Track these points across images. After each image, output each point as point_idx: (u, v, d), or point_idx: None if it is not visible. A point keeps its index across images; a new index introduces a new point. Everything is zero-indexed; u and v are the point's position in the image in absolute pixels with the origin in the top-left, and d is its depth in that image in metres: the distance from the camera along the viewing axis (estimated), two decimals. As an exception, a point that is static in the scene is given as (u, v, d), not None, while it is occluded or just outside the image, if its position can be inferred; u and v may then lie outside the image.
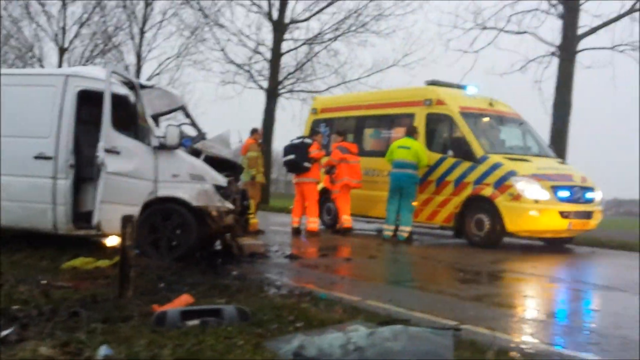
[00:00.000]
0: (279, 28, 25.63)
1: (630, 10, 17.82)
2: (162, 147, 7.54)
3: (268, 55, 25.94)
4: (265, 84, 26.06)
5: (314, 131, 13.29)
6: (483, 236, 10.94)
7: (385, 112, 13.24)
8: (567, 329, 5.24)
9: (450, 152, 11.58)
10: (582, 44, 18.34)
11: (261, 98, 26.29)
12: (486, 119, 12.35)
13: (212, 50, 26.55)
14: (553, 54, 18.55)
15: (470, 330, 4.69)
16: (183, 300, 4.96)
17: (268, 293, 5.80)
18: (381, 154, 12.25)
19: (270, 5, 25.69)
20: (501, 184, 10.78)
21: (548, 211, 10.64)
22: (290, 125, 27.32)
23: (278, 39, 25.72)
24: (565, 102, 17.89)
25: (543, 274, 8.58)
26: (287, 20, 25.86)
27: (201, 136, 8.99)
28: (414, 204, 11.74)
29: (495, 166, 10.97)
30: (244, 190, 9.11)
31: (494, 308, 5.88)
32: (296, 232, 12.19)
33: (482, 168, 11.09)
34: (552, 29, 18.65)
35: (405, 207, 11.45)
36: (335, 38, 25.57)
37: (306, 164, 11.99)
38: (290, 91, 26.81)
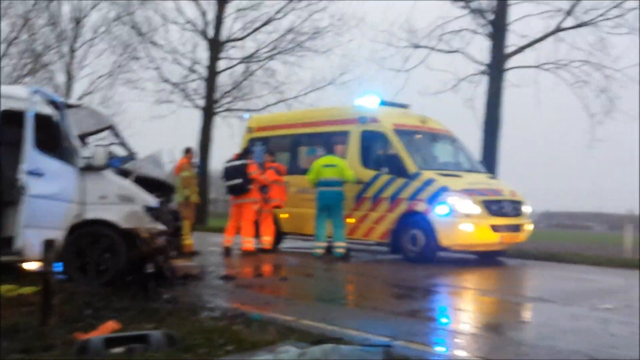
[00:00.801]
0: (215, 47, 25.44)
1: (555, 31, 18.54)
2: (89, 168, 7.31)
3: (204, 73, 25.70)
4: (201, 103, 25.78)
5: (247, 151, 13.10)
6: (418, 251, 11.04)
7: (321, 130, 13.24)
8: (498, 341, 5.31)
9: (384, 169, 11.67)
10: (510, 63, 18.96)
11: (198, 117, 25.99)
12: (419, 136, 12.51)
13: (146, 68, 26.09)
14: (483, 72, 19.07)
15: (403, 346, 4.69)
16: (108, 327, 4.80)
17: (200, 316, 5.66)
18: None
19: (205, 24, 25.51)
20: (434, 199, 10.92)
21: (480, 225, 10.85)
22: (228, 144, 27.00)
23: (214, 57, 25.51)
24: (495, 119, 18.38)
25: (475, 287, 8.74)
26: (223, 38, 25.72)
27: (131, 156, 8.78)
28: (350, 220, 11.81)
29: (428, 182, 11.13)
30: (176, 211, 8.93)
31: (428, 322, 5.93)
32: (228, 251, 12.04)
33: (415, 184, 11.23)
34: (482, 48, 19.13)
35: (337, 224, 11.52)
36: (272, 57, 25.57)
37: (249, 187, 12.00)
38: (228, 110, 26.60)
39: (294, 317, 5.79)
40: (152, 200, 7.64)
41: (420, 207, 11.07)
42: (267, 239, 12.40)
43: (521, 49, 18.75)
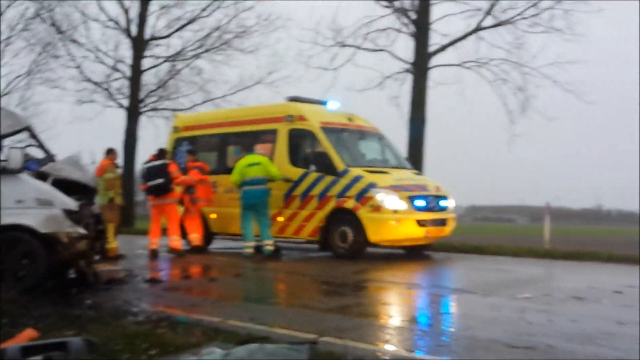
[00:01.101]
0: (139, 45, 24.87)
1: (475, 30, 19.13)
2: (4, 172, 7.01)
3: (128, 72, 25.08)
4: (125, 103, 25.16)
5: (164, 151, 12.75)
6: (347, 248, 11.15)
7: (248, 129, 13.16)
8: (422, 333, 5.43)
9: (312, 167, 11.71)
10: (433, 61, 19.42)
11: (122, 117, 25.33)
12: (346, 134, 12.58)
13: (66, 67, 25.21)
14: (407, 70, 19.46)
15: (329, 342, 4.73)
16: (26, 335, 4.63)
17: (123, 321, 5.53)
18: None
19: (128, 22, 24.90)
20: (362, 196, 11.04)
21: (406, 220, 11.02)
22: (154, 145, 26.40)
23: (138, 56, 24.93)
24: (420, 116, 18.79)
25: (402, 281, 8.90)
26: (147, 36, 25.16)
27: (49, 158, 8.48)
28: (280, 219, 11.83)
29: (356, 179, 11.21)
30: (98, 214, 8.68)
31: (355, 318, 5.99)
32: (154, 254, 11.84)
33: (343, 181, 11.30)
34: (407, 47, 19.52)
35: (263, 222, 11.53)
36: (198, 55, 25.23)
37: (171, 186, 11.91)
38: (153, 109, 26.07)
39: (221, 318, 5.74)
40: (72, 204, 7.40)
41: (349, 204, 11.16)
42: (196, 236, 12.33)
43: (443, 48, 19.25)
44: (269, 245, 11.48)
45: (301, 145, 12.35)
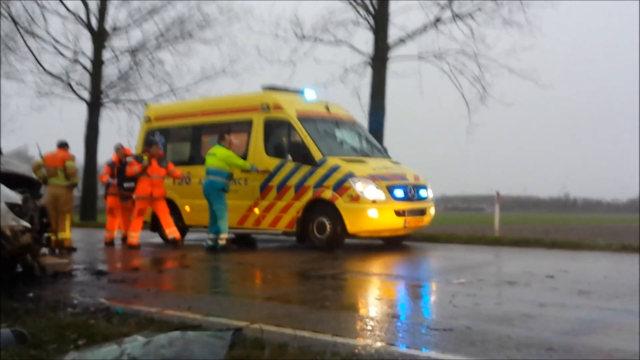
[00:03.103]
0: (99, 37, 24.73)
1: (434, 23, 19.41)
2: (-56, 166, 7.00)
3: (88, 65, 24.86)
4: (86, 95, 24.96)
5: (149, 141, 12.72)
6: (325, 239, 11.03)
7: (223, 119, 12.93)
8: (350, 318, 5.60)
9: (289, 157, 11.56)
10: (392, 54, 19.67)
11: (84, 110, 25.12)
12: (323, 123, 12.38)
13: (24, 60, 24.89)
14: (367, 63, 19.68)
15: (258, 329, 4.86)
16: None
17: (60, 313, 5.60)
18: None
19: (88, 14, 24.68)
20: (340, 185, 10.91)
21: (385, 210, 10.87)
22: (117, 137, 26.30)
23: (98, 48, 24.79)
24: (380, 107, 19.07)
25: (345, 269, 9.03)
26: (107, 28, 24.98)
27: (-5, 152, 8.46)
28: (256, 210, 11.79)
29: (334, 169, 11.07)
30: (43, 206, 8.69)
31: (290, 305, 6.14)
32: (110, 246, 11.97)
33: (321, 171, 11.16)
34: (367, 40, 19.78)
35: (213, 215, 11.35)
36: (159, 46, 25.12)
37: (126, 185, 12.17)
38: (115, 101, 25.92)
39: (159, 308, 5.85)
40: (15, 197, 7.42)
41: (327, 194, 11.02)
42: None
43: (402, 41, 19.57)
44: (222, 239, 11.31)
45: (277, 135, 12.16)
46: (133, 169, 11.92)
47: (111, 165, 12.74)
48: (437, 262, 9.78)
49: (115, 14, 25.13)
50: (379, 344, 4.35)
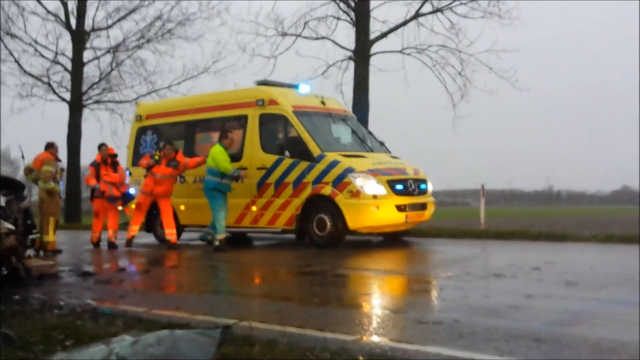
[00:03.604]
0: (79, 37, 24.50)
1: (415, 16, 19.44)
2: None
3: (69, 65, 24.65)
4: (67, 96, 24.74)
5: (164, 142, 12.43)
6: (326, 236, 10.79)
7: (216, 115, 12.66)
8: (336, 314, 5.60)
9: (287, 153, 11.27)
10: (375, 48, 19.67)
11: (65, 111, 24.90)
12: (319, 117, 12.08)
13: (4, 61, 24.61)
14: (350, 58, 19.66)
15: (248, 326, 4.85)
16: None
17: (46, 315, 5.55)
18: None
19: (67, 14, 24.44)
20: (340, 181, 10.64)
21: (386, 206, 10.60)
22: (99, 138, 26.14)
23: (78, 48, 24.57)
24: (363, 102, 19.04)
25: (335, 266, 9.03)
26: (87, 28, 24.77)
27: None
28: (253, 208, 11.55)
29: (333, 164, 10.80)
30: (28, 208, 8.61)
31: (279, 302, 6.13)
32: (96, 247, 12.01)
33: (319, 167, 10.88)
34: (348, 34, 19.75)
35: (212, 215, 11.08)
36: (140, 46, 24.96)
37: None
38: (97, 102, 25.74)
39: (147, 307, 5.82)
40: (-2, 200, 7.34)
41: (326, 190, 10.75)
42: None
43: (384, 35, 19.54)
44: (216, 239, 11.00)
45: (273, 131, 11.87)
46: (143, 162, 12.06)
47: (95, 165, 12.64)
48: (424, 257, 9.81)
49: (95, 14, 24.90)
50: (367, 339, 4.36)
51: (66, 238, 15.21)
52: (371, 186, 10.56)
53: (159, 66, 25.52)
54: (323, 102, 12.43)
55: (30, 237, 8.37)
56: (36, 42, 24.25)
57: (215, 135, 12.35)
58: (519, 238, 11.84)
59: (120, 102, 25.77)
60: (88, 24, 24.72)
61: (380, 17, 19.99)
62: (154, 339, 4.02)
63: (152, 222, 12.92)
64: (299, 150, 11.12)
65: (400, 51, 19.49)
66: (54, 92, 24.82)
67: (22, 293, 6.80)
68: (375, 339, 4.38)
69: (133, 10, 24.45)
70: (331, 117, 12.43)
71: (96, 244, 12.52)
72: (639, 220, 15.50)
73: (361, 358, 3.79)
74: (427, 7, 19.24)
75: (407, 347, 4.07)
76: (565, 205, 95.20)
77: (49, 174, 11.51)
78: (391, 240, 11.88)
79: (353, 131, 12.65)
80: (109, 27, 24.78)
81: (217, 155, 10.92)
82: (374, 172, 10.75)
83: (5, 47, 24.20)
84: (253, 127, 11.79)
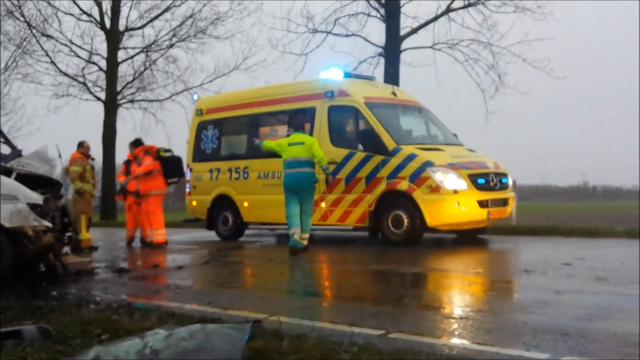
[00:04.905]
0: (113, 37, 24.94)
1: (446, 11, 19.33)
2: (-33, 169, 7.16)
3: (103, 65, 25.13)
4: (102, 95, 25.23)
5: (135, 142, 12.59)
6: (402, 234, 10.27)
7: (282, 108, 12.23)
8: (361, 308, 5.67)
9: (360, 147, 10.79)
10: (405, 44, 19.63)
11: (101, 110, 25.39)
12: (392, 109, 11.59)
13: (40, 62, 25.21)
14: (380, 54, 19.66)
15: (277, 320, 4.94)
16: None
17: (83, 310, 5.73)
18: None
19: (102, 14, 24.90)
20: (417, 176, 10.10)
21: (467, 201, 10.07)
22: (133, 136, 26.58)
23: (113, 47, 25.01)
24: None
25: (381, 264, 9.11)
26: (121, 28, 25.20)
27: (16, 154, 8.61)
28: (322, 205, 11.10)
29: (409, 158, 10.28)
30: (65, 206, 8.85)
31: (308, 298, 6.23)
32: (130, 244, 12.38)
33: (395, 161, 10.37)
34: (379, 31, 19.74)
35: (305, 212, 10.03)
36: (172, 45, 25.30)
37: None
38: (131, 101, 26.18)
39: (180, 303, 5.97)
40: (36, 197, 7.57)
41: (403, 185, 10.22)
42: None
43: (414, 31, 19.49)
44: (305, 238, 10.06)
45: (343, 124, 11.43)
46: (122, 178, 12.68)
47: (126, 163, 12.93)
48: (455, 253, 9.78)
49: (129, 14, 25.33)
50: (394, 334, 4.41)
51: (102, 235, 15.55)
52: (451, 181, 10.01)
53: (190, 65, 25.78)
54: (394, 93, 11.96)
55: (67, 234, 8.58)
56: (71, 42, 24.79)
57: (281, 129, 12.13)
58: (551, 234, 11.73)
59: (153, 100, 26.19)
60: (122, 23, 25.17)
61: (411, 13, 19.75)
62: (187, 333, 4.15)
63: (214, 220, 13.03)
64: (373, 144, 10.61)
65: (431, 47, 19.43)
66: (89, 92, 25.34)
67: (59, 289, 7.02)
68: (400, 333, 4.41)
69: (166, 10, 24.80)
70: (403, 109, 11.91)
71: (129, 242, 12.74)
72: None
73: (387, 352, 3.85)
74: (458, 2, 19.14)
75: (434, 342, 4.12)
76: (600, 200, 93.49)
77: (75, 173, 11.77)
78: (465, 238, 11.38)
79: (426, 123, 12.09)
80: (142, 26, 25.16)
81: (315, 143, 10.05)
82: (454, 166, 10.21)
83: (42, 47, 24.79)
84: (321, 119, 11.31)
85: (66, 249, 8.86)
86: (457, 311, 5.12)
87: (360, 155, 10.76)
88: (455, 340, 4.13)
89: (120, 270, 8.61)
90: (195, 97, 14.53)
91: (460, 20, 19.20)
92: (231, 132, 13.18)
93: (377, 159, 10.54)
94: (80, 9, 24.62)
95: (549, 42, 19.13)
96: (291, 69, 20.65)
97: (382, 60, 19.60)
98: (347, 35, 19.85)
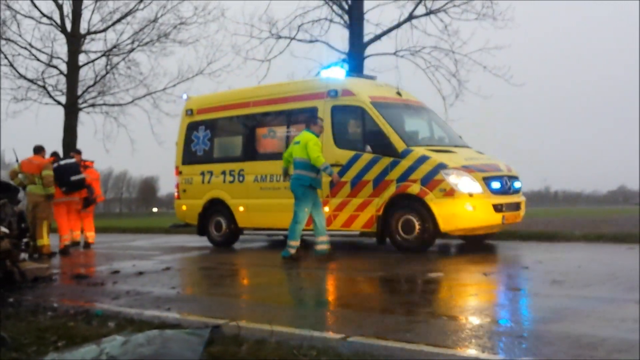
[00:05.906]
0: (74, 40, 24.56)
1: (408, 18, 19.55)
2: None
3: (64, 68, 24.72)
4: (63, 99, 24.81)
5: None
6: (413, 239, 9.87)
7: (281, 108, 11.72)
8: (307, 311, 5.70)
9: (368, 148, 10.33)
10: (368, 51, 19.77)
11: (61, 114, 24.95)
12: (398, 110, 11.19)
13: (-1, 65, 24.66)
14: (344, 60, 19.73)
15: (236, 325, 4.92)
16: None
17: (40, 317, 5.63)
18: (278, 155, 10.87)
19: (62, 17, 24.50)
20: (430, 179, 9.68)
21: (482, 205, 9.68)
22: (94, 141, 26.21)
23: (74, 51, 24.62)
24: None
25: (342, 267, 9.12)
26: (82, 31, 24.85)
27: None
28: (325, 209, 10.45)
29: (421, 160, 9.87)
30: (22, 212, 8.68)
31: (268, 303, 6.21)
32: (66, 250, 12.36)
33: (405, 163, 9.95)
34: (342, 37, 19.86)
35: (293, 217, 9.63)
36: (134, 49, 25.05)
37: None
38: (92, 105, 25.82)
39: (139, 309, 5.90)
40: (-9, 204, 7.42)
41: (414, 189, 9.81)
42: (93, 234, 13.74)
43: (378, 37, 19.66)
44: (324, 242, 9.71)
45: (348, 124, 10.96)
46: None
47: None
48: (418, 259, 9.86)
49: (90, 17, 24.97)
50: (353, 338, 4.43)
51: (55, 241, 15.25)
52: (466, 184, 9.62)
53: (153, 69, 25.54)
54: (399, 93, 11.53)
55: (24, 240, 8.42)
56: (31, 45, 24.32)
57: (280, 130, 11.73)
58: (510, 238, 11.91)
59: (114, 105, 25.91)
60: (83, 27, 24.82)
61: (374, 19, 19.90)
62: (144, 339, 4.12)
63: (206, 225, 12.66)
64: (381, 145, 10.17)
65: (394, 53, 19.59)
66: (50, 96, 24.89)
67: (16, 296, 6.88)
68: (359, 338, 4.44)
69: (128, 13, 24.54)
70: (409, 109, 11.55)
71: (68, 246, 12.70)
72: (639, 220, 15.52)
73: (345, 355, 3.87)
74: (420, 10, 19.36)
75: (391, 345, 4.16)
76: (561, 205, 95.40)
77: (51, 177, 11.54)
78: (473, 243, 11.12)
79: (432, 124, 11.75)
80: (104, 30, 24.86)
81: (310, 142, 9.47)
82: (468, 169, 9.81)
83: (0, 50, 24.26)
84: (324, 120, 10.58)
85: (23, 255, 8.68)
86: (418, 315, 5.18)
87: (367, 157, 10.34)
88: (412, 344, 4.17)
89: (78, 276, 8.48)
90: (185, 96, 14.04)
91: (422, 28, 19.45)
92: (225, 133, 12.74)
93: (386, 161, 10.12)
94: (41, 12, 24.19)
95: (509, 50, 19.34)
96: (254, 75, 20.51)
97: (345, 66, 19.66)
98: (311, 41, 19.93)
